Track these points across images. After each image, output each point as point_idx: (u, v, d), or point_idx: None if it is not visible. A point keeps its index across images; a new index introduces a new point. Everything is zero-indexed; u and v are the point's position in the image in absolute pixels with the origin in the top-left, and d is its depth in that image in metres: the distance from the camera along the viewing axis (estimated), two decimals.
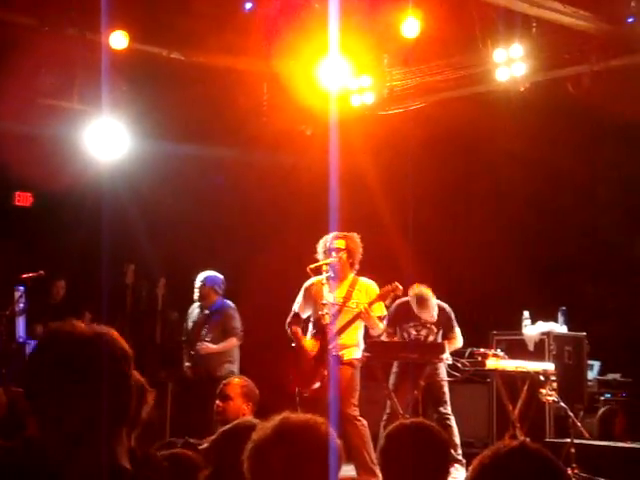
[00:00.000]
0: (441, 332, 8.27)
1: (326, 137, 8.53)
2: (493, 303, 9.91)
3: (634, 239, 8.87)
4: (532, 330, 9.12)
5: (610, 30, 8.69)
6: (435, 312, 8.18)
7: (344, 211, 7.42)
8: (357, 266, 7.54)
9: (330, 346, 7.26)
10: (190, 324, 8.92)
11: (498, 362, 7.86)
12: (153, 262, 10.49)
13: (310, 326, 7.52)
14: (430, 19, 8.78)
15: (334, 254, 7.42)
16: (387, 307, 7.65)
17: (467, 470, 2.49)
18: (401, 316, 8.24)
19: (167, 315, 10.44)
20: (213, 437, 3.48)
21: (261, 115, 10.63)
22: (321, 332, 7.35)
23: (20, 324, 9.07)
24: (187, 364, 8.84)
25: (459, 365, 7.80)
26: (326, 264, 7.40)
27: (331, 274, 7.42)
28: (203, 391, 8.39)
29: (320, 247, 7.53)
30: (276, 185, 11.10)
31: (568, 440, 7.13)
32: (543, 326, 9.14)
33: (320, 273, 7.43)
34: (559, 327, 9.25)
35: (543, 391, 7.50)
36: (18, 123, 9.42)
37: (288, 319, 7.63)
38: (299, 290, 7.64)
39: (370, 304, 7.31)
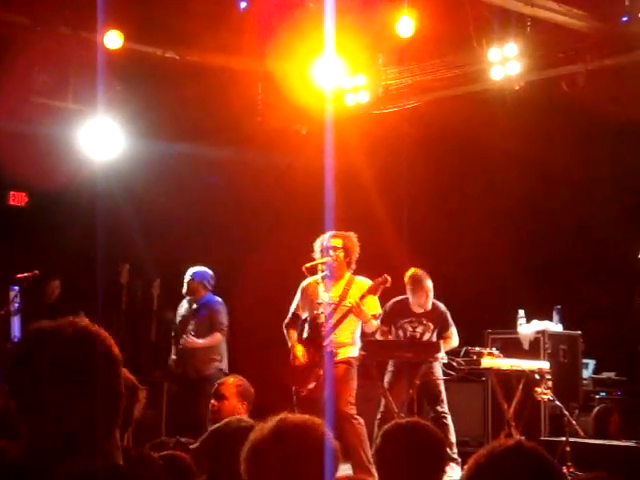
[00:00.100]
0: (437, 331, 8.28)
1: (321, 136, 8.52)
2: (488, 302, 9.90)
3: (629, 238, 8.86)
4: (527, 329, 9.13)
5: (605, 29, 8.69)
6: (430, 296, 8.17)
7: (339, 210, 7.40)
8: (354, 265, 7.55)
9: (325, 343, 7.26)
10: (178, 318, 8.94)
11: (493, 361, 7.87)
12: (148, 261, 10.49)
13: (306, 326, 7.52)
14: (425, 18, 8.77)
15: (331, 252, 7.41)
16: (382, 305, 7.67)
17: (463, 469, 2.49)
18: (396, 312, 8.24)
19: (162, 315, 10.43)
20: (203, 437, 3.48)
21: (256, 114, 10.63)
22: (316, 332, 7.35)
23: (15, 324, 9.05)
24: (173, 357, 8.86)
25: (454, 364, 7.80)
26: (322, 263, 7.40)
27: (327, 273, 7.42)
28: (193, 390, 8.41)
29: (317, 246, 7.52)
30: (271, 184, 11.08)
31: (563, 438, 7.14)
32: (538, 325, 9.15)
33: (315, 272, 7.42)
34: (554, 326, 9.26)
35: (538, 390, 7.50)
36: (12, 122, 9.40)
37: (286, 320, 7.61)
38: (294, 289, 7.63)
39: (361, 298, 7.29)
